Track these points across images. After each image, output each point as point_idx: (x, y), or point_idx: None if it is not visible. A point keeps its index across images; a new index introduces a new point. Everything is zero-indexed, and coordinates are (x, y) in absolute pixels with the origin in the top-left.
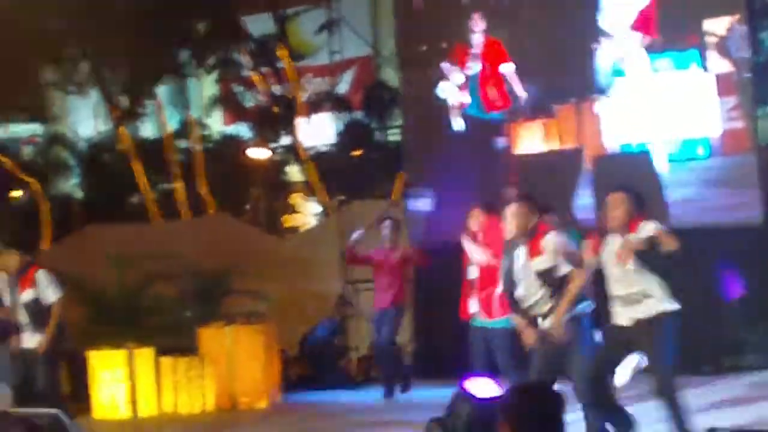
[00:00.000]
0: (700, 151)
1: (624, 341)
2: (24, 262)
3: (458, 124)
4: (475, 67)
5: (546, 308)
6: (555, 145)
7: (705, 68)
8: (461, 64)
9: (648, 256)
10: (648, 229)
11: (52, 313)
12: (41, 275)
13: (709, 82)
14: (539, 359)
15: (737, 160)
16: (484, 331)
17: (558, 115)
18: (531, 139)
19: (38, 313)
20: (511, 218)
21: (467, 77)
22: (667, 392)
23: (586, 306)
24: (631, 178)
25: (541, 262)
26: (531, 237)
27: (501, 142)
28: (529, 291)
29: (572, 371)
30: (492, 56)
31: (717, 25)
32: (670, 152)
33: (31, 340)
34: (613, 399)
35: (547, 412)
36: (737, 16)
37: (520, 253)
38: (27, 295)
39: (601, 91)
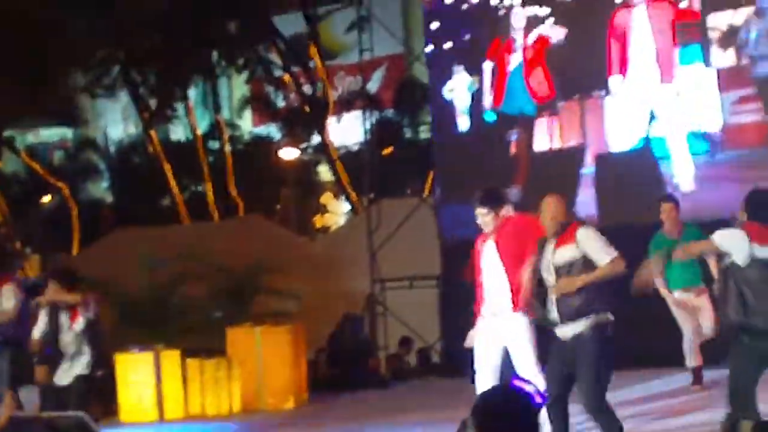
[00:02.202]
0: (702, 146)
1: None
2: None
3: (464, 124)
4: (515, 61)
5: (559, 313)
6: (558, 143)
7: (707, 63)
8: (500, 59)
9: None
10: None
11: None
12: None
13: (712, 77)
14: (550, 361)
15: (739, 154)
16: None
17: (561, 111)
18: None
19: (93, 339)
20: (546, 211)
21: (499, 73)
22: None
23: (608, 316)
24: (633, 175)
25: (565, 253)
26: (562, 231)
27: (512, 141)
28: (552, 289)
29: (582, 376)
30: (537, 49)
31: (721, 20)
32: (673, 147)
33: (70, 373)
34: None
35: (514, 414)
36: (752, 8)
37: (550, 248)
38: (80, 323)
39: (605, 88)
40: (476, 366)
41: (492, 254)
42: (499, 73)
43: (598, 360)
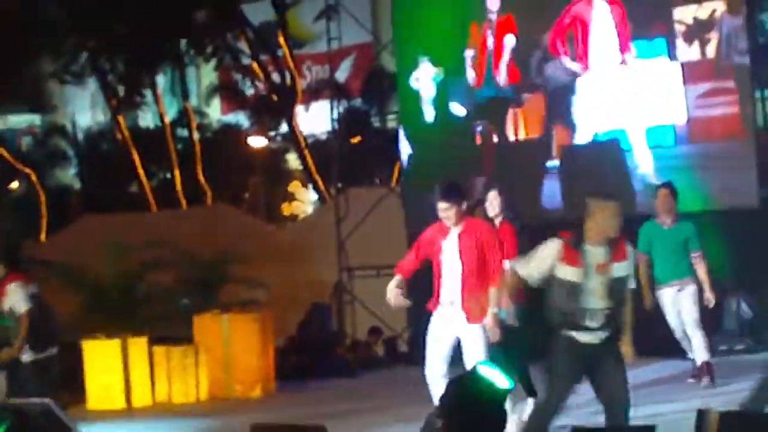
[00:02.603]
0: (667, 139)
1: None
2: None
3: (429, 115)
4: (490, 43)
5: (601, 321)
6: (523, 134)
7: (672, 57)
8: (481, 42)
9: None
10: None
11: (21, 325)
12: (12, 288)
13: (676, 70)
14: (568, 368)
15: (703, 147)
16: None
17: (526, 103)
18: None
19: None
20: (613, 217)
21: (480, 55)
22: None
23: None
24: (598, 167)
25: (623, 269)
26: (615, 243)
27: (477, 131)
28: (595, 300)
29: (617, 376)
30: (503, 31)
31: (686, 14)
32: (637, 140)
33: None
34: None
35: (480, 403)
36: (720, 2)
37: (598, 255)
38: (5, 305)
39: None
40: (427, 353)
41: (453, 248)
42: (480, 55)
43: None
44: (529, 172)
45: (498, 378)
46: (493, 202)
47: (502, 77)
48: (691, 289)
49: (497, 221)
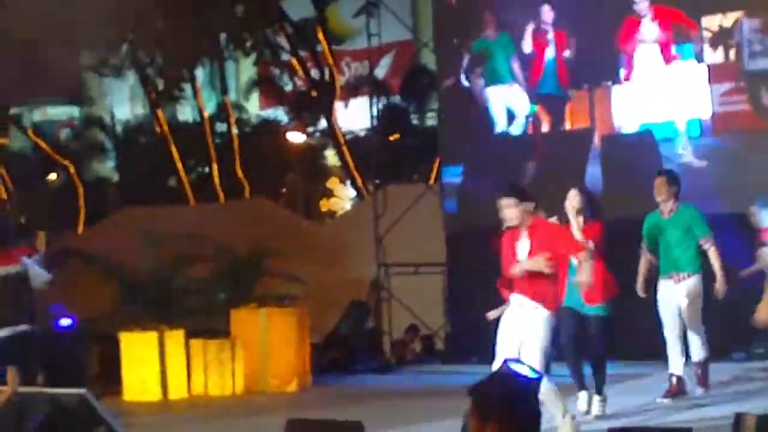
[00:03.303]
0: (695, 130)
1: None
2: None
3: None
4: (551, 51)
5: None
6: (569, 125)
7: (699, 59)
8: (537, 45)
9: None
10: None
11: None
12: None
13: (703, 71)
14: None
15: (725, 139)
16: (581, 317)
17: (573, 98)
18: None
19: None
20: None
21: (537, 57)
22: None
23: None
24: (635, 156)
25: None
26: None
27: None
28: None
29: None
30: (560, 44)
31: (713, 22)
32: (667, 132)
33: None
34: None
35: (511, 397)
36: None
37: None
38: None
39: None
40: (496, 352)
41: (524, 253)
42: (537, 57)
43: None
44: (574, 158)
45: (527, 372)
46: (573, 201)
47: (555, 79)
48: (690, 283)
49: (580, 220)
